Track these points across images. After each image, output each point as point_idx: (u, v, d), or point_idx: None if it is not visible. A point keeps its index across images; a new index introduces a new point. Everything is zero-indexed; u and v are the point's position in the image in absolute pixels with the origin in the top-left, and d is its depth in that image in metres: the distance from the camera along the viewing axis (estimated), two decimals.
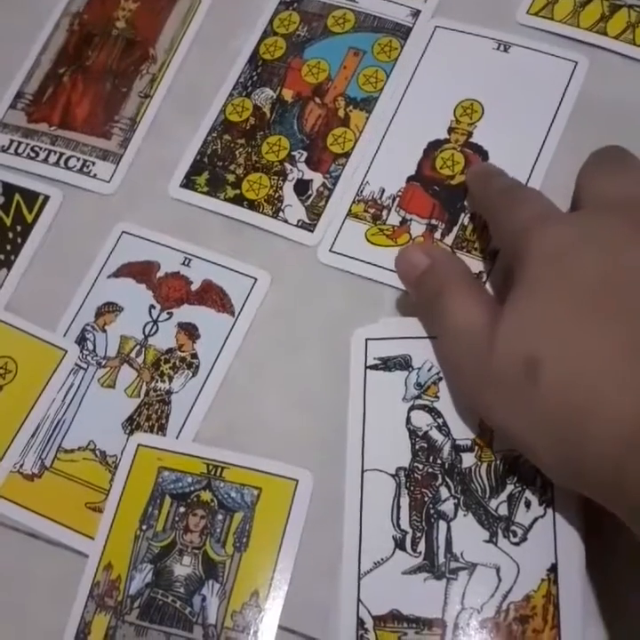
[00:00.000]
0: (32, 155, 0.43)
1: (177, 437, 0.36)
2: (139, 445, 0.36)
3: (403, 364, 0.34)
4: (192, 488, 0.35)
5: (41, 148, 0.43)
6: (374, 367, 0.35)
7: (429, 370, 0.34)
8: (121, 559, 0.34)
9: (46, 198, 0.42)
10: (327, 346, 0.37)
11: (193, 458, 0.35)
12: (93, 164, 0.42)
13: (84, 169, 0.42)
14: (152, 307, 0.39)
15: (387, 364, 0.35)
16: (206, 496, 0.35)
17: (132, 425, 0.37)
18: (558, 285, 0.29)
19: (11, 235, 0.41)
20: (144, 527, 0.34)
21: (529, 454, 0.30)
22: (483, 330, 0.30)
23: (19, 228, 0.41)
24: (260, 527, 0.34)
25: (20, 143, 0.43)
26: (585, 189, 0.33)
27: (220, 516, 0.34)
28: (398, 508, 0.33)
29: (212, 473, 0.35)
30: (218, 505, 0.34)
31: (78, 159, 0.42)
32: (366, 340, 0.35)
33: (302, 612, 0.33)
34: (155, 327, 0.38)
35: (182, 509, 0.35)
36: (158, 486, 0.35)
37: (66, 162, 0.42)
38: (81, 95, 0.44)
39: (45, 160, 0.42)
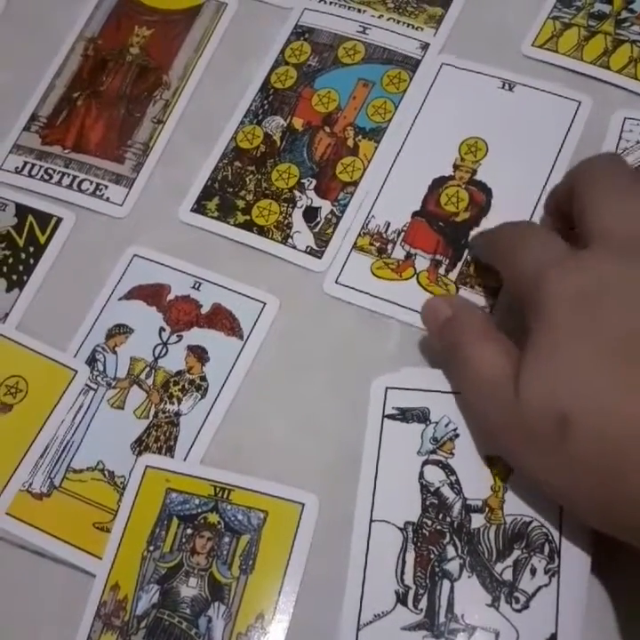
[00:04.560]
0: (45, 177, 0.43)
1: (185, 459, 0.37)
2: (147, 466, 0.36)
3: (421, 416, 0.34)
4: (199, 510, 0.35)
5: (54, 171, 0.43)
6: (392, 417, 0.35)
7: (447, 425, 0.34)
8: (128, 579, 0.35)
9: (59, 220, 0.42)
10: (335, 372, 0.37)
11: (200, 480, 0.36)
12: (106, 187, 0.43)
13: (97, 192, 0.43)
14: (162, 329, 0.39)
15: (405, 415, 0.35)
16: (213, 518, 0.35)
17: (140, 446, 0.37)
18: (582, 336, 0.29)
19: (23, 255, 0.42)
20: (151, 548, 0.35)
21: (567, 504, 0.30)
22: (507, 381, 0.30)
23: (31, 249, 0.42)
24: (266, 550, 0.34)
25: (33, 165, 0.44)
26: (591, 219, 0.31)
27: (226, 539, 0.35)
28: (403, 562, 0.32)
29: (220, 495, 0.35)
30: (224, 527, 0.35)
31: (91, 182, 0.43)
32: (386, 388, 0.35)
33: (307, 636, 0.33)
34: (164, 349, 0.39)
35: (189, 531, 0.35)
36: (166, 508, 0.35)
37: (79, 185, 0.43)
38: (95, 119, 0.44)
39: (59, 182, 0.43)
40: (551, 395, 0.28)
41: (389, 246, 0.39)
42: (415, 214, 0.40)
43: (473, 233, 0.39)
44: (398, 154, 0.41)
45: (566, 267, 0.30)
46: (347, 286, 0.39)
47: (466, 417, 0.34)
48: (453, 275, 0.38)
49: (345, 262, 0.39)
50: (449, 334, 0.34)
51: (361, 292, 0.39)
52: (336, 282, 0.39)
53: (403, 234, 0.40)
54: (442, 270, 0.39)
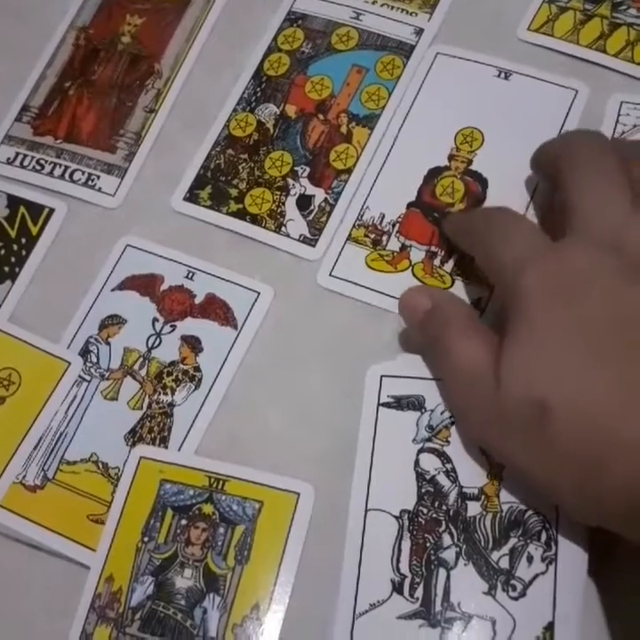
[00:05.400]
0: (37, 167, 0.43)
1: (179, 450, 0.36)
2: (141, 458, 0.36)
3: (416, 404, 0.34)
4: (194, 501, 0.35)
5: (46, 161, 0.43)
6: (387, 405, 0.35)
7: (442, 413, 0.34)
8: (122, 571, 0.34)
9: (51, 211, 0.42)
10: (329, 361, 0.37)
11: (195, 470, 0.36)
12: (98, 177, 0.42)
13: (89, 182, 0.42)
14: (155, 319, 0.39)
15: (400, 403, 0.34)
16: (208, 509, 0.35)
17: (134, 437, 0.37)
18: (558, 326, 0.29)
19: (15, 247, 0.41)
20: (146, 539, 0.35)
21: (550, 495, 0.30)
22: (487, 373, 0.30)
23: (23, 240, 0.41)
24: (262, 540, 0.34)
25: (25, 156, 0.43)
26: (571, 207, 0.31)
27: (221, 529, 0.34)
28: (399, 551, 0.32)
29: (214, 486, 0.35)
30: (219, 518, 0.35)
31: (83, 172, 0.43)
32: (381, 376, 0.35)
33: (303, 626, 0.33)
34: (158, 340, 0.39)
35: (184, 522, 0.35)
36: (160, 499, 0.35)
37: (71, 175, 0.43)
38: (86, 109, 0.44)
39: (50, 173, 0.43)
40: (530, 382, 0.28)
41: (384, 238, 0.39)
42: (410, 205, 0.39)
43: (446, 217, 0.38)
44: (393, 144, 0.41)
45: (543, 260, 0.30)
46: (341, 279, 0.39)
47: (449, 408, 0.34)
48: (449, 266, 0.38)
49: (339, 254, 0.39)
50: (429, 327, 0.33)
51: (356, 284, 0.38)
52: (330, 274, 0.39)
53: (397, 225, 0.39)
54: (437, 262, 0.38)
